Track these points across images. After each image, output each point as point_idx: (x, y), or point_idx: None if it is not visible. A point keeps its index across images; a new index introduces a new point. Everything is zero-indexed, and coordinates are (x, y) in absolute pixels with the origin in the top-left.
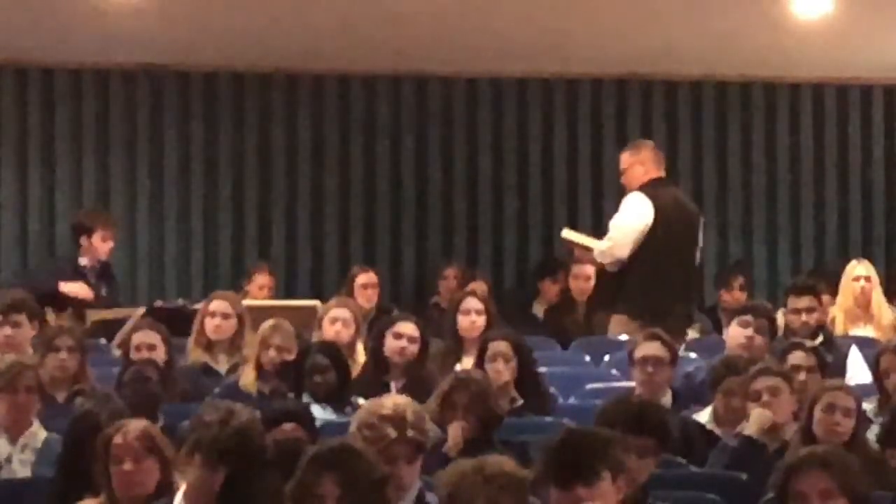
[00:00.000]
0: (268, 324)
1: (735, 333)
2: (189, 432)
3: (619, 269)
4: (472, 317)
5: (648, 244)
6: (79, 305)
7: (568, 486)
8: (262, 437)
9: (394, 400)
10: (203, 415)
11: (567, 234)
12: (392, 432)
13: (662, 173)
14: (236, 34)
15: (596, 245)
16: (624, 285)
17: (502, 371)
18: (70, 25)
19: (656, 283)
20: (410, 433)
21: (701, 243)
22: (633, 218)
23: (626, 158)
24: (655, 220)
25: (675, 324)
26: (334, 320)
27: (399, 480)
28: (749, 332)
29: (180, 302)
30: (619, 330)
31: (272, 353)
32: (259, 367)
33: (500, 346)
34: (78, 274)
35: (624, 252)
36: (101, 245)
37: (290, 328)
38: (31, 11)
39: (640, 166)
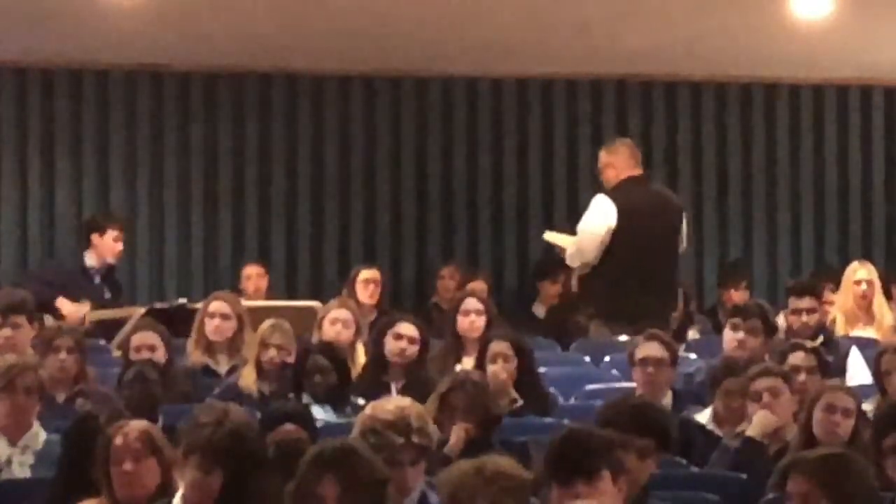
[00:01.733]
0: (267, 324)
1: (727, 336)
2: (184, 434)
3: (589, 272)
4: (471, 317)
5: (614, 246)
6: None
7: (568, 483)
8: (258, 438)
9: (397, 404)
10: (198, 416)
11: (548, 235)
12: (398, 439)
13: (638, 171)
14: (236, 34)
15: (569, 248)
16: (591, 287)
17: (502, 371)
18: (70, 25)
19: (621, 284)
20: (416, 439)
21: (685, 239)
22: (594, 221)
23: (601, 158)
24: (619, 221)
25: (650, 325)
26: (334, 321)
27: (403, 483)
28: (740, 335)
29: (181, 301)
30: (594, 332)
31: (272, 353)
32: (259, 368)
33: (500, 346)
34: (84, 275)
35: (589, 255)
36: (111, 245)
37: (290, 328)
38: (31, 11)
39: (612, 169)
